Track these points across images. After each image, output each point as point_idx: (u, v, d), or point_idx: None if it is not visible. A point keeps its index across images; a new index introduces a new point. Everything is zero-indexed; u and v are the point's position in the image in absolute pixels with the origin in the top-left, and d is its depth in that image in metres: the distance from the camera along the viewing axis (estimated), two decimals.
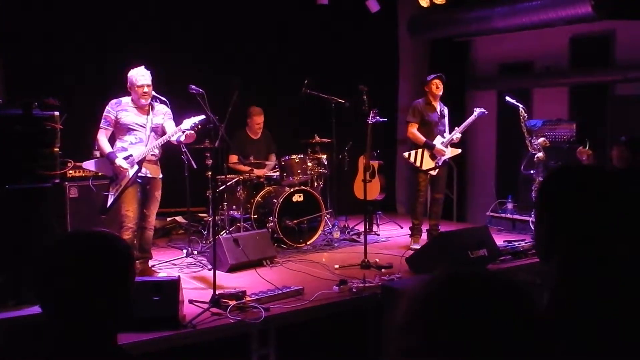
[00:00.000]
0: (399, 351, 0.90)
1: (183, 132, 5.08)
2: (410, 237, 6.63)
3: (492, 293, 0.92)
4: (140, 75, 5.10)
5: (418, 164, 6.45)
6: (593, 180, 1.54)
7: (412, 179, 6.69)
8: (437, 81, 6.48)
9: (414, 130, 6.49)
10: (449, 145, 6.50)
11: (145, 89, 5.10)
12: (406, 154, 6.56)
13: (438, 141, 6.45)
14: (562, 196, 1.54)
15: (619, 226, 1.50)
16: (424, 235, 6.67)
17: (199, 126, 5.11)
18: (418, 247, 6.19)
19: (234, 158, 6.89)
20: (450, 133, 6.54)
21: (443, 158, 6.47)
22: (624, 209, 1.51)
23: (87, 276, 1.34)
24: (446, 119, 6.62)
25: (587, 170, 1.60)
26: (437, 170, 6.47)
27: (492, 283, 0.93)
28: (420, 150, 6.45)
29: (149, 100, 5.17)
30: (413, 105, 6.59)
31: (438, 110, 6.53)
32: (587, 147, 6.28)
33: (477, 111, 6.50)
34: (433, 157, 6.45)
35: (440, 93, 6.50)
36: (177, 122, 5.21)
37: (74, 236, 1.46)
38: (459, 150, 6.72)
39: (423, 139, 6.44)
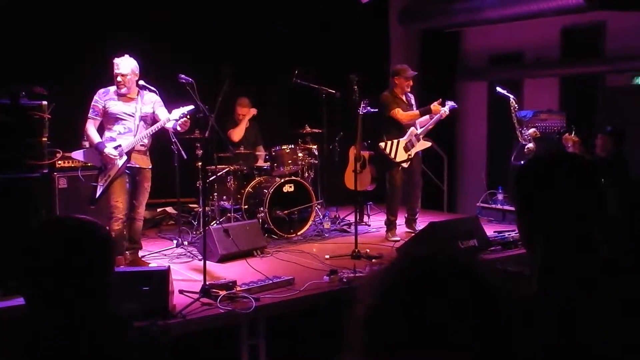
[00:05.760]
0: (361, 347, 0.85)
1: (172, 121, 5.06)
2: (386, 231, 6.51)
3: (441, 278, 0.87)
4: (115, 64, 5.10)
5: (392, 155, 6.33)
6: (569, 171, 1.44)
7: (387, 175, 6.53)
8: (411, 81, 6.38)
9: (400, 113, 6.30)
10: (420, 138, 6.42)
11: (119, 78, 5.08)
12: (382, 144, 6.42)
13: (412, 133, 6.38)
14: (537, 191, 1.45)
15: (598, 218, 1.43)
16: (402, 227, 6.66)
17: (188, 116, 5.09)
18: (398, 238, 6.26)
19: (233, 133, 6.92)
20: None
21: (414, 150, 6.40)
22: (602, 199, 1.45)
23: (63, 260, 1.34)
24: (414, 107, 6.50)
25: (562, 161, 1.50)
26: (408, 163, 6.38)
27: (443, 268, 0.89)
28: (395, 142, 6.33)
29: (125, 89, 5.12)
30: (384, 97, 6.37)
31: (405, 101, 6.44)
32: (572, 134, 6.30)
33: (449, 104, 6.36)
34: (407, 149, 6.36)
35: (409, 90, 6.46)
36: (168, 112, 5.18)
37: (53, 221, 1.46)
38: (429, 144, 6.68)
39: (417, 111, 6.39)
